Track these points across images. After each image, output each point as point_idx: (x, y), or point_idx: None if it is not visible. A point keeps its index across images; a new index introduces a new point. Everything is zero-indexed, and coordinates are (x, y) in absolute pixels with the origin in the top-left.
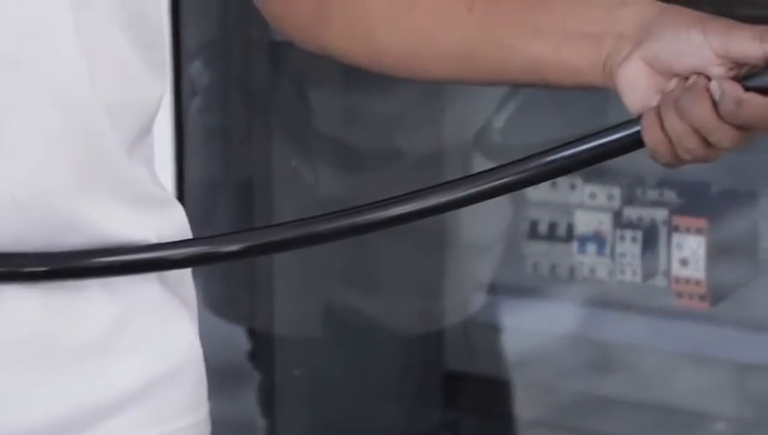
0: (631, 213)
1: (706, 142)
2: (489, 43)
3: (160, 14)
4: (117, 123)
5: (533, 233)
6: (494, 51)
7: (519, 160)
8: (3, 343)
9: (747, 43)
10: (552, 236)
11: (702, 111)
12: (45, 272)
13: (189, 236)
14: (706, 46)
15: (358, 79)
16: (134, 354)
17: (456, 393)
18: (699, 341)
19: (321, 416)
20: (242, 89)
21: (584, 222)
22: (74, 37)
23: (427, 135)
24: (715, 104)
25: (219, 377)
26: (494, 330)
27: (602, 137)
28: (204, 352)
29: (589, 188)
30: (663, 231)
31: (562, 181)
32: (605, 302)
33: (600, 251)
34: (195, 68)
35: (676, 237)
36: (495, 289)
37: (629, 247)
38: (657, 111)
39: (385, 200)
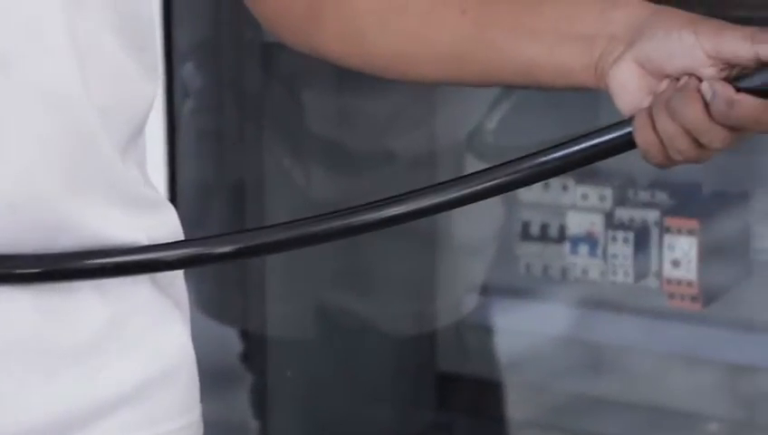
0: (623, 214)
1: (698, 143)
2: (481, 44)
3: (152, 14)
4: (109, 124)
5: (526, 234)
6: (486, 52)
7: (511, 161)
8: None
9: (738, 44)
10: (544, 237)
11: (693, 112)
12: (37, 273)
13: (182, 237)
14: (698, 47)
15: (350, 80)
16: (126, 356)
17: (449, 394)
18: (691, 342)
19: (314, 417)
20: (234, 90)
21: (576, 223)
22: (66, 38)
23: (419, 136)
24: (706, 105)
25: (212, 378)
26: (486, 331)
27: (594, 138)
28: (196, 353)
29: (581, 190)
30: (655, 232)
31: (555, 182)
32: (597, 303)
33: (592, 252)
34: (187, 70)
35: (667, 238)
36: (488, 290)
37: (621, 248)
38: (649, 112)
39: (377, 201)
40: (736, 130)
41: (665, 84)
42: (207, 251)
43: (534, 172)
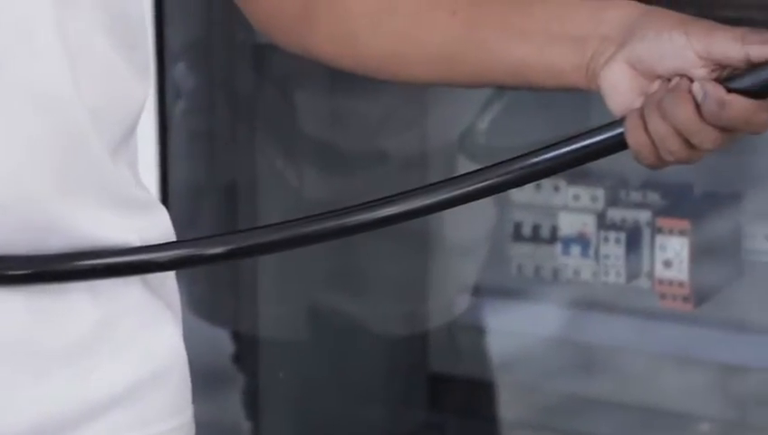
0: (615, 215)
1: (689, 144)
2: (472, 45)
3: (143, 14)
4: (100, 125)
5: (518, 235)
6: (477, 53)
7: (503, 162)
8: None
9: (729, 45)
10: (536, 237)
11: (685, 113)
12: (28, 275)
13: (173, 238)
14: (689, 48)
15: (342, 81)
16: (118, 357)
17: (441, 395)
18: (683, 342)
19: (306, 418)
20: (226, 91)
21: (568, 224)
22: (56, 38)
23: (411, 137)
24: (697, 106)
25: (203, 380)
26: (478, 331)
27: (586, 139)
28: (188, 354)
29: (572, 190)
30: (646, 233)
31: (546, 183)
32: (589, 303)
33: (584, 253)
34: (179, 70)
35: (659, 239)
36: (480, 291)
37: (613, 249)
38: (641, 112)
39: (370, 202)
40: (727, 130)
41: (656, 85)
42: (199, 252)
43: (526, 173)
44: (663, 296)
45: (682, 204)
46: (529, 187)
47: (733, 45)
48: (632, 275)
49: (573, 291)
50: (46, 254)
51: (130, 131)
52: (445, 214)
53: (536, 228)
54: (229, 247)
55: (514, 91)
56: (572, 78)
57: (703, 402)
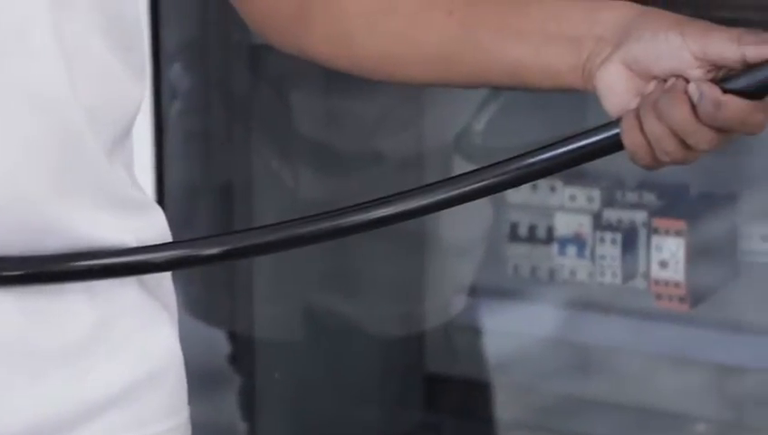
0: (611, 215)
1: (685, 144)
2: (468, 45)
3: (139, 15)
4: (96, 125)
5: (514, 235)
6: (473, 54)
7: (499, 163)
8: None
9: (725, 46)
10: (532, 238)
11: (680, 114)
12: (24, 276)
13: (169, 239)
14: (685, 49)
15: (338, 81)
16: (114, 358)
17: (437, 396)
18: (679, 342)
19: (302, 419)
20: (222, 92)
21: (564, 224)
22: (53, 39)
23: (407, 137)
24: (693, 107)
25: (199, 380)
26: (474, 332)
27: (582, 139)
28: (184, 355)
29: (569, 191)
30: (642, 233)
31: (542, 183)
32: (585, 304)
33: (580, 253)
34: (174, 71)
35: (655, 239)
36: (476, 291)
37: (609, 249)
38: (637, 113)
39: (366, 203)
40: (723, 131)
41: (652, 86)
42: (195, 253)
43: (522, 174)
44: (659, 297)
45: (678, 204)
46: (525, 187)
47: (729, 46)
48: (628, 275)
49: (569, 291)
50: (42, 254)
51: (126, 132)
52: (441, 214)
53: (532, 229)
54: (225, 248)
55: (510, 92)
56: (568, 79)
57: (699, 403)
